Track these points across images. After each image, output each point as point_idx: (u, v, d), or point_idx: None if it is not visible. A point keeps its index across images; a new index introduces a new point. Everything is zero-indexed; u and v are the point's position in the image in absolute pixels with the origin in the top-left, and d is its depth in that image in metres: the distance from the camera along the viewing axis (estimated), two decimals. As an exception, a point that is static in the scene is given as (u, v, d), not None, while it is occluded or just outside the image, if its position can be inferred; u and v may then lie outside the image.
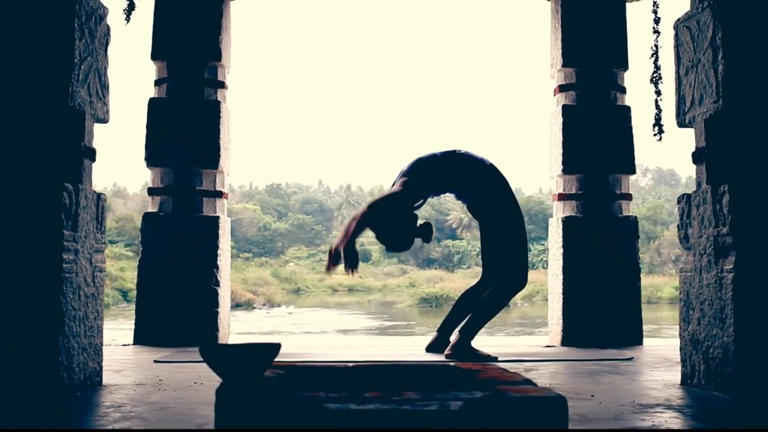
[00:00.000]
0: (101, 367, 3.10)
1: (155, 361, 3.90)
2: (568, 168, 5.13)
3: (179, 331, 4.87)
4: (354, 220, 4.01)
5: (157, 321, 4.93)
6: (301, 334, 13.71)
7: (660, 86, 4.89)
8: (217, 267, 5.04)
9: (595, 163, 5.11)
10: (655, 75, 4.86)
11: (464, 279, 32.87)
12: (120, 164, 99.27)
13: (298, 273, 42.41)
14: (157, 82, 5.21)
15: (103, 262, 3.12)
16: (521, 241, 4.23)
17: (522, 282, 4.22)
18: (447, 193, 4.35)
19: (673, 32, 3.33)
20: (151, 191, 5.15)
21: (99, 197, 3.09)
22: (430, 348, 4.37)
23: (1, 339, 2.67)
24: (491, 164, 4.27)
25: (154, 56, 5.17)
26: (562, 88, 5.28)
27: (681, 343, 3.18)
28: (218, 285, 5.05)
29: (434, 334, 4.45)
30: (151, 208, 5.14)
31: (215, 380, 3.01)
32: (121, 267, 29.56)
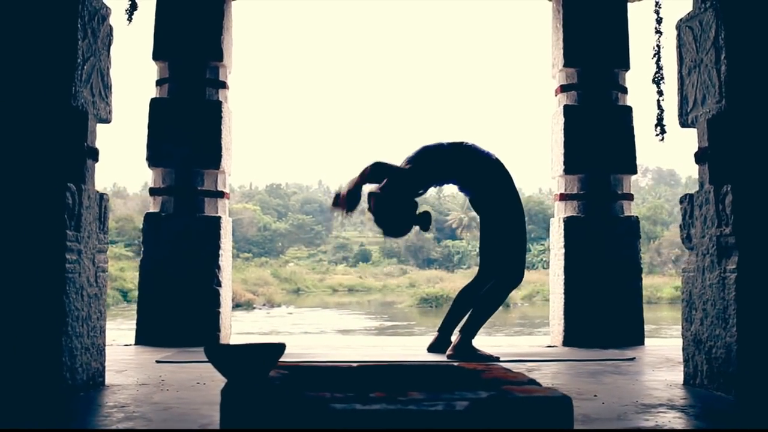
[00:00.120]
0: (104, 368, 3.10)
1: (157, 362, 3.90)
2: (569, 168, 5.13)
3: (181, 331, 4.87)
4: (360, 173, 4.15)
5: (159, 321, 4.93)
6: (300, 334, 13.71)
7: (662, 86, 4.89)
8: (218, 267, 5.04)
9: (596, 164, 5.11)
10: (657, 75, 4.86)
11: (464, 279, 32.73)
12: (120, 164, 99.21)
13: (298, 273, 42.41)
14: (159, 82, 5.21)
15: (106, 262, 3.12)
16: (521, 237, 4.25)
17: (519, 277, 4.26)
18: (450, 184, 4.35)
19: (675, 32, 3.33)
20: (153, 191, 5.16)
21: (102, 197, 3.09)
22: (432, 348, 4.37)
23: (4, 339, 2.67)
24: (497, 159, 4.29)
25: (156, 56, 5.17)
26: (563, 89, 5.28)
27: (684, 343, 3.18)
28: (220, 285, 5.05)
29: (435, 334, 4.45)
30: (153, 209, 5.13)
31: (217, 380, 3.01)
32: (121, 267, 29.55)
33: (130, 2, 4.77)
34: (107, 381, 3.12)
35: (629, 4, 5.27)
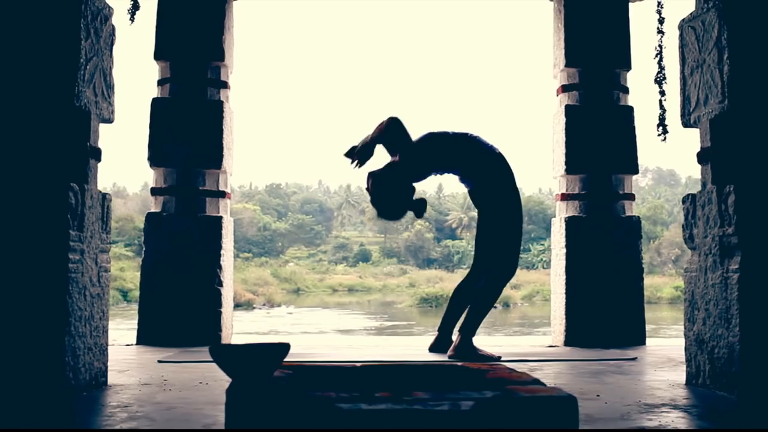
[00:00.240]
0: (106, 367, 3.10)
1: (159, 361, 3.90)
2: (571, 168, 5.13)
3: (182, 331, 4.87)
4: (377, 127, 4.23)
5: (160, 321, 4.93)
6: (300, 334, 13.70)
7: (664, 86, 4.89)
8: (220, 267, 5.04)
9: (598, 164, 5.11)
10: (659, 75, 4.85)
11: (464, 279, 32.78)
12: (120, 164, 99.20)
13: (298, 273, 42.42)
14: (160, 82, 5.20)
15: (109, 262, 3.12)
16: (517, 232, 4.28)
17: (512, 272, 4.30)
18: (451, 173, 4.36)
19: (677, 32, 3.34)
20: (154, 191, 5.15)
21: (104, 197, 3.09)
22: (433, 348, 4.38)
23: (8, 339, 2.67)
24: (500, 153, 4.31)
25: (157, 56, 5.17)
26: (564, 88, 5.28)
27: (686, 343, 3.18)
28: (221, 285, 5.05)
29: (435, 333, 4.46)
30: (154, 208, 5.13)
31: (220, 380, 3.01)
32: (121, 267, 29.52)
33: (132, 2, 4.77)
34: (110, 381, 3.12)
35: (631, 4, 5.27)
